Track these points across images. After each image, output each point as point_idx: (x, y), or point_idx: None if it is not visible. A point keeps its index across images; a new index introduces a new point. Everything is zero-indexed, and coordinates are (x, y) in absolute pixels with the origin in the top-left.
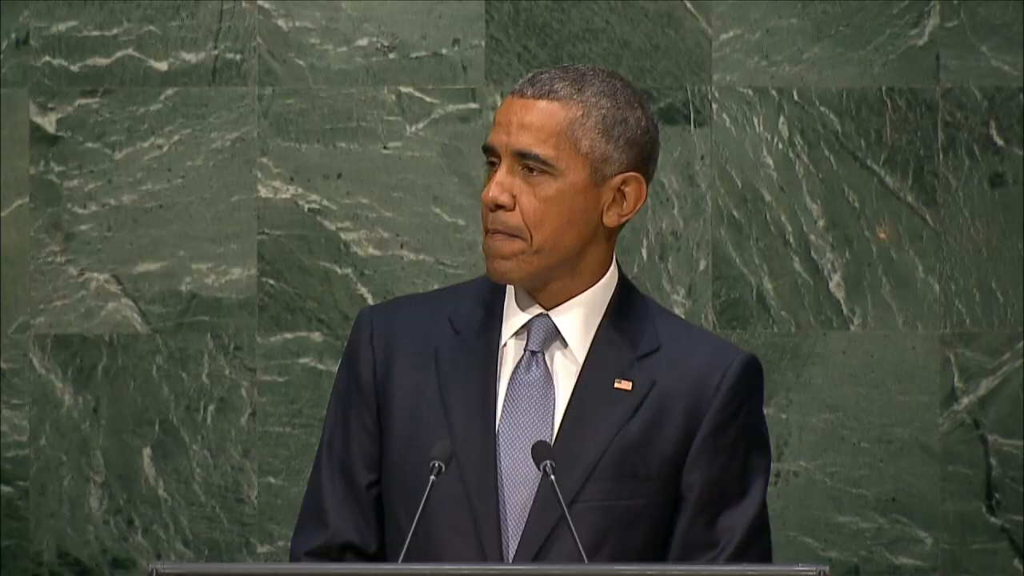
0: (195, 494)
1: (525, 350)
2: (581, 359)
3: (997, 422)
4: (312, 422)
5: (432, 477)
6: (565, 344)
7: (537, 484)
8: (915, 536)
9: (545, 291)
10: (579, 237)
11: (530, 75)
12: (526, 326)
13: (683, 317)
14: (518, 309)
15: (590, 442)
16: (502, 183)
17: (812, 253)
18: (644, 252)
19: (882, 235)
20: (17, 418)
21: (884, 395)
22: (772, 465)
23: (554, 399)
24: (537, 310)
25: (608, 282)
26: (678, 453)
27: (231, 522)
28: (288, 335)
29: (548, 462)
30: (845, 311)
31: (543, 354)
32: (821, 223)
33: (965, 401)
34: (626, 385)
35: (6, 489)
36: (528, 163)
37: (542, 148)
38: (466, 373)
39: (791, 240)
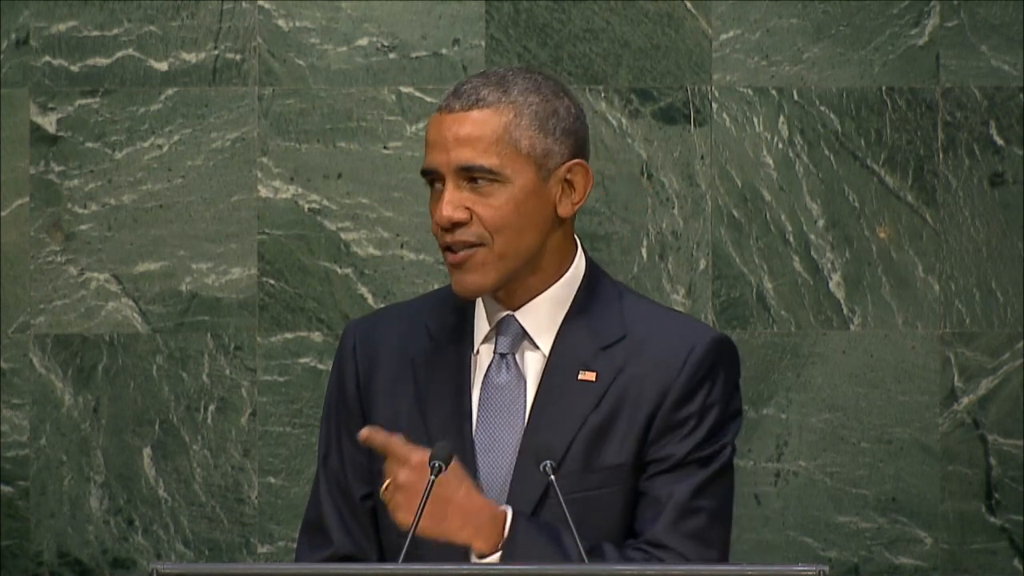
0: (195, 494)
1: (495, 353)
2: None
3: (997, 422)
4: (312, 422)
5: (432, 477)
6: (533, 343)
7: (508, 487)
8: (915, 536)
9: (509, 292)
10: (538, 235)
11: (452, 89)
12: (494, 329)
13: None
14: (486, 313)
15: (556, 436)
16: (452, 201)
17: (812, 253)
18: (644, 252)
19: (882, 235)
20: (17, 418)
21: (884, 395)
22: (772, 465)
23: (525, 399)
24: (503, 312)
25: (574, 274)
26: (646, 435)
27: (231, 522)
28: (288, 335)
29: (548, 462)
30: (845, 311)
31: (513, 356)
32: (821, 223)
33: (965, 401)
34: (590, 376)
35: (6, 489)
36: (474, 175)
37: (485, 159)
38: (442, 382)
39: (791, 240)
